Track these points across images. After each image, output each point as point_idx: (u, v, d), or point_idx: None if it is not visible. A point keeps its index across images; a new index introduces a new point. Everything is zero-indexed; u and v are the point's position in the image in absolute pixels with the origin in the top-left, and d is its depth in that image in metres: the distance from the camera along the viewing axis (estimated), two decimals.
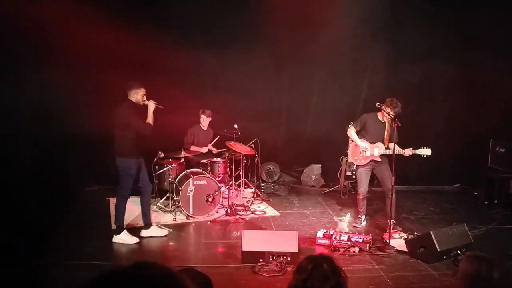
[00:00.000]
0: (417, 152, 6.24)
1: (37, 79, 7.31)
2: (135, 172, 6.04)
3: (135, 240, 6.03)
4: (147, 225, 6.28)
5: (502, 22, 7.92)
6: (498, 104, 8.23)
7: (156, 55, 7.86)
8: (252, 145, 8.14)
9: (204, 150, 7.92)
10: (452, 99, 8.98)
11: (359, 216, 6.87)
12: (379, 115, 6.48)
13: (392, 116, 6.15)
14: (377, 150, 6.48)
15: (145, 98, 6.05)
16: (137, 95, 6.01)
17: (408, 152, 6.21)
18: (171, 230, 6.56)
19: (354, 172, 8.36)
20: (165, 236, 6.27)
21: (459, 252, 5.46)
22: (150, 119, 5.98)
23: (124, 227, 6.09)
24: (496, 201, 7.99)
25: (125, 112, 5.92)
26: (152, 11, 8.05)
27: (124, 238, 5.99)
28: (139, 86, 6.06)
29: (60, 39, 7.15)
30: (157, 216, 7.10)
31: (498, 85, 8.09)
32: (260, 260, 5.27)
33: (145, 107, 6.02)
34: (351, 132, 6.66)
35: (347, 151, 8.14)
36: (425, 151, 6.24)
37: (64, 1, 6.89)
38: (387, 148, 6.43)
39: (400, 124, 5.94)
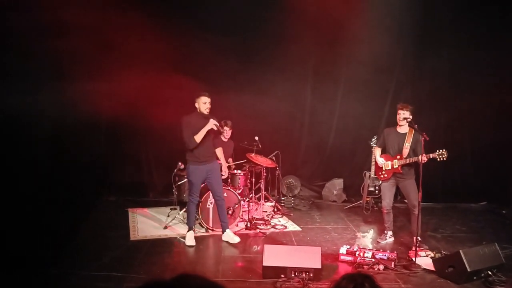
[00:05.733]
0: (432, 156, 5.95)
1: (55, 87, 7.38)
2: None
3: (237, 239, 6.44)
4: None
5: None
6: None
7: (180, 63, 7.83)
8: (273, 158, 8.01)
9: (224, 165, 7.78)
10: (481, 115, 8.73)
11: (385, 231, 6.67)
12: (398, 127, 6.38)
13: (410, 117, 6.14)
14: (397, 161, 6.31)
15: (206, 106, 6.14)
16: (197, 103, 6.17)
17: (423, 158, 5.89)
18: None
19: (377, 188, 8.18)
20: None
21: (489, 272, 5.22)
22: (199, 135, 6.08)
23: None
24: None
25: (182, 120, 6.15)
26: (177, 10, 8.05)
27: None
28: (199, 94, 6.17)
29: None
30: (175, 228, 6.99)
31: None
32: (282, 275, 5.10)
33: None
34: (375, 152, 6.73)
35: (372, 166, 7.99)
36: (442, 154, 5.95)
37: None
38: (406, 158, 6.25)
39: (427, 138, 5.76)
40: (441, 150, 5.95)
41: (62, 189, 7.05)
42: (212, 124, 6.07)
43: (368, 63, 8.47)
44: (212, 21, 8.10)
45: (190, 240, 6.32)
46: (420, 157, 5.90)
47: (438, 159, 5.98)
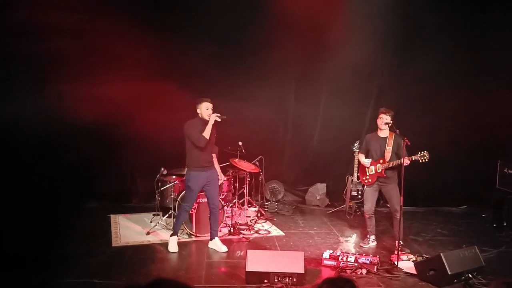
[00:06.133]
0: (414, 159, 6.04)
1: (39, 96, 7.25)
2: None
3: (224, 249, 6.32)
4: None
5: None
6: (505, 125, 8.13)
7: (165, 70, 7.78)
8: (257, 163, 8.01)
9: (219, 169, 7.75)
10: (460, 120, 8.86)
11: (367, 236, 6.72)
12: (379, 131, 6.49)
13: (391, 122, 6.22)
14: (380, 165, 6.38)
15: (209, 112, 6.07)
16: (198, 109, 6.09)
17: (406, 160, 5.95)
18: None
19: (360, 192, 8.25)
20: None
21: (470, 275, 5.29)
22: (206, 131, 6.01)
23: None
24: (505, 224, 7.79)
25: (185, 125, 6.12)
26: (160, 16, 7.99)
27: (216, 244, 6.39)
28: (201, 100, 6.11)
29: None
30: (158, 234, 6.95)
31: (506, 105, 8.01)
32: (265, 281, 5.10)
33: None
34: (360, 157, 6.77)
35: (354, 171, 8.05)
36: (423, 156, 6.03)
37: None
38: (389, 162, 6.33)
39: (409, 143, 5.83)
40: (422, 152, 6.05)
41: (44, 195, 6.96)
42: (214, 117, 6.03)
43: (350, 69, 8.54)
44: (196, 28, 8.08)
45: (173, 246, 6.27)
46: (402, 159, 5.98)
47: (421, 161, 6.07)
